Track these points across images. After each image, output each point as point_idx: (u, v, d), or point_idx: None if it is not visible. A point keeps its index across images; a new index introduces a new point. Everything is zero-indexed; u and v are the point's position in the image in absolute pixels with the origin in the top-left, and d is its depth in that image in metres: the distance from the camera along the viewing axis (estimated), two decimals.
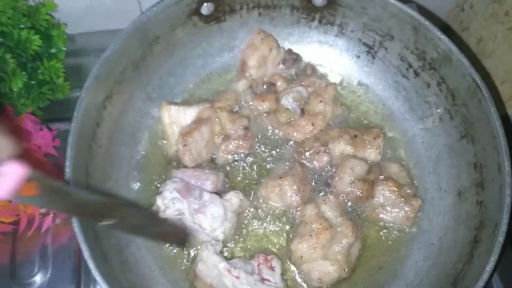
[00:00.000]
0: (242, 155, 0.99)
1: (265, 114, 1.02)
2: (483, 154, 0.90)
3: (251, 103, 1.02)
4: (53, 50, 1.05)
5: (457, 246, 0.89)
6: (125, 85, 0.95)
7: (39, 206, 0.91)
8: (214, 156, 0.99)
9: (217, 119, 0.97)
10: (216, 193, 0.91)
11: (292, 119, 1.01)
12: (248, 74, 1.03)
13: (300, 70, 1.09)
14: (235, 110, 1.02)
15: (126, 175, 0.97)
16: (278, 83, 1.04)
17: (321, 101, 1.01)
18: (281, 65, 1.05)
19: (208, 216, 0.87)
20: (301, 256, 0.88)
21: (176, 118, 0.98)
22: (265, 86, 1.05)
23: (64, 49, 1.06)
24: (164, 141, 1.01)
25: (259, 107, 1.02)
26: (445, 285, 0.84)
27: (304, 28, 1.09)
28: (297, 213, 0.94)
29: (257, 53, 1.02)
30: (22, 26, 0.98)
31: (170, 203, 0.88)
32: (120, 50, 0.89)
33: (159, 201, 0.88)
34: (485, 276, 0.74)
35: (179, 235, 0.89)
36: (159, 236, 0.88)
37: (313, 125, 1.00)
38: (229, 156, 0.98)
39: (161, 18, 0.94)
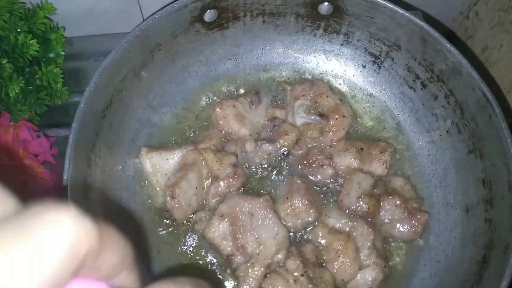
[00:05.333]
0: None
1: (294, 154, 0.99)
2: (492, 171, 0.87)
3: (270, 148, 0.97)
4: (51, 55, 1.02)
5: (464, 265, 0.87)
6: (125, 93, 0.92)
7: None
8: (204, 201, 0.94)
9: (203, 162, 0.93)
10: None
11: (320, 128, 0.99)
12: (244, 135, 0.99)
13: (274, 96, 1.05)
14: (220, 148, 0.98)
15: (126, 186, 0.94)
16: (277, 113, 1.01)
17: (327, 96, 1.00)
18: (253, 106, 1.01)
19: None
20: (342, 280, 0.86)
21: (158, 165, 0.92)
22: (268, 130, 1.01)
23: (62, 53, 1.03)
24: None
25: (286, 143, 0.97)
26: None
27: (309, 36, 1.07)
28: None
29: (229, 117, 0.98)
30: (19, 30, 0.95)
31: None
32: (121, 57, 0.87)
33: None
34: None
35: None
36: None
37: (344, 116, 0.98)
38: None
39: (163, 25, 0.91)
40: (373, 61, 1.06)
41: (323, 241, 0.89)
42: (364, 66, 1.07)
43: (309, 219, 0.91)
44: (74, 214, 0.28)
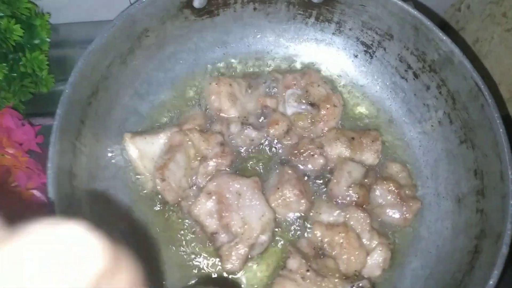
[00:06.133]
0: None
1: (284, 143, 0.98)
2: (484, 161, 0.87)
3: (254, 134, 0.96)
4: (36, 41, 1.00)
5: (456, 255, 0.86)
6: (111, 80, 0.90)
7: None
8: (194, 182, 0.92)
9: (189, 142, 0.91)
10: None
11: (311, 118, 0.97)
12: (231, 116, 0.97)
13: (270, 81, 1.03)
14: (205, 129, 0.96)
15: (113, 176, 0.92)
16: (268, 102, 0.99)
17: (318, 85, 0.99)
18: (249, 90, 1.00)
19: None
20: (355, 270, 0.85)
21: (144, 150, 0.90)
22: (259, 117, 1.00)
23: (48, 40, 1.01)
24: (137, 177, 0.93)
25: (277, 132, 0.96)
26: None
27: (300, 25, 1.05)
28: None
29: (223, 94, 0.97)
30: (1, 14, 0.92)
31: None
32: (107, 43, 0.84)
33: None
34: None
35: None
36: None
37: (335, 106, 0.97)
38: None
39: (150, 11, 0.89)
40: (365, 50, 1.04)
41: (324, 239, 0.88)
42: (356, 56, 1.06)
43: (300, 209, 0.90)
44: (85, 230, 0.27)
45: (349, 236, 0.86)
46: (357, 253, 0.85)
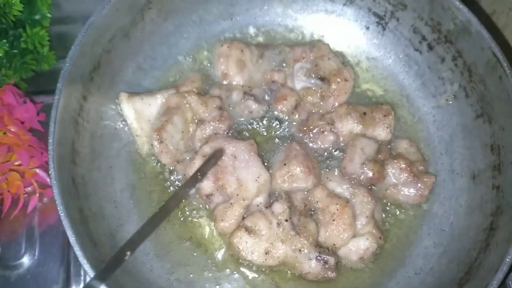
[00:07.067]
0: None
1: (294, 119, 0.95)
2: (501, 135, 0.83)
3: (254, 106, 0.93)
4: (37, 17, 0.97)
5: (471, 233, 0.84)
6: (114, 54, 0.87)
7: None
8: (191, 145, 0.91)
9: (187, 105, 0.89)
10: None
11: (321, 93, 0.94)
12: (235, 83, 0.95)
13: (279, 55, 1.00)
14: (203, 92, 0.94)
15: (117, 152, 0.90)
16: (276, 77, 0.96)
17: (328, 59, 0.96)
18: (260, 60, 0.97)
19: None
20: (334, 244, 0.84)
21: (141, 111, 0.88)
22: (264, 90, 0.97)
23: (49, 15, 0.98)
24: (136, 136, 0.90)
25: (285, 108, 0.94)
26: (458, 273, 0.79)
27: None
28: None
29: (232, 59, 0.94)
30: None
31: None
32: (108, 15, 0.82)
33: None
34: (505, 267, 0.69)
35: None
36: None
37: (346, 80, 0.94)
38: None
39: None
40: (377, 22, 1.00)
41: (320, 203, 0.86)
42: (368, 28, 1.02)
43: (307, 186, 0.88)
44: None
45: (344, 211, 0.83)
46: (343, 229, 0.83)
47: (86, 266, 0.68)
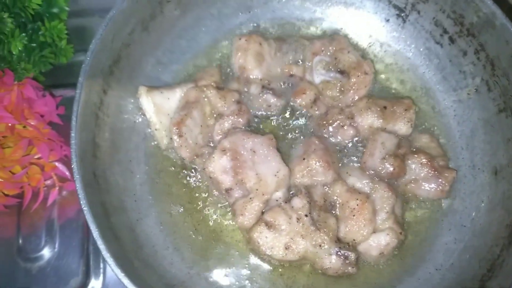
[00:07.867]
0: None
1: (313, 113, 0.95)
2: None
3: (272, 100, 0.93)
4: (55, 10, 0.97)
5: (492, 229, 0.83)
6: (133, 48, 0.87)
7: None
8: (209, 139, 0.91)
9: (205, 99, 0.89)
10: None
11: (340, 86, 0.93)
12: (253, 77, 0.94)
13: (297, 48, 0.99)
14: (222, 86, 0.94)
15: (136, 146, 0.90)
16: (294, 70, 0.95)
17: (348, 52, 0.95)
18: (278, 54, 0.96)
19: None
20: (354, 239, 0.83)
21: (160, 104, 0.88)
22: (283, 84, 0.96)
23: (66, 8, 0.98)
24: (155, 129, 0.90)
25: (304, 102, 0.93)
26: (479, 270, 0.79)
27: None
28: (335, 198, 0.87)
29: (250, 52, 0.93)
30: None
31: None
32: (128, 8, 0.81)
33: None
34: None
35: None
36: None
37: (366, 73, 0.93)
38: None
39: None
40: (397, 14, 0.99)
41: (340, 199, 0.85)
42: (388, 20, 1.00)
43: (326, 181, 0.87)
44: None
45: (365, 207, 0.83)
46: (364, 225, 0.82)
47: (109, 260, 0.68)
